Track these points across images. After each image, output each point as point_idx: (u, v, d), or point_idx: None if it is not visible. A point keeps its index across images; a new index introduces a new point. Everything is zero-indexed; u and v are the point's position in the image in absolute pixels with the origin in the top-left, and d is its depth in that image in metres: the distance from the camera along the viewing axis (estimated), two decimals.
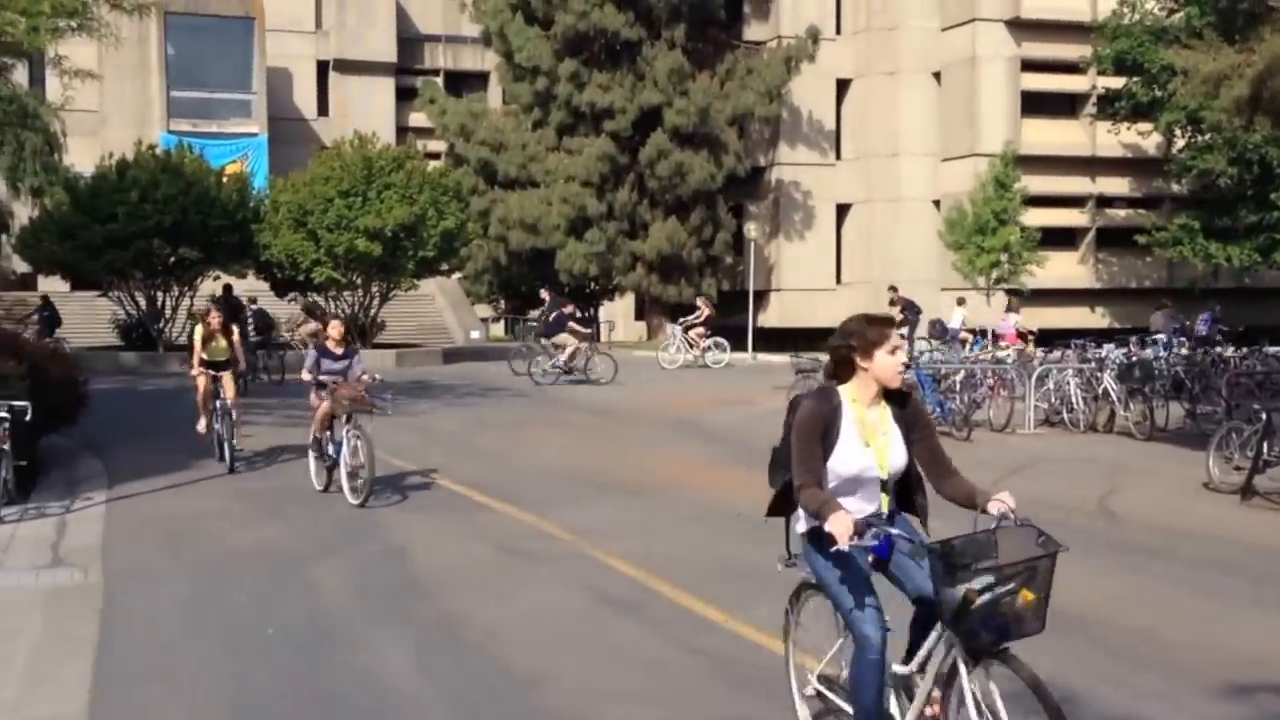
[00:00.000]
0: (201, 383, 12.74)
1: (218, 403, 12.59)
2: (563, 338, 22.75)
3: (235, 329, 13.22)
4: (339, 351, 10.95)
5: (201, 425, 12.98)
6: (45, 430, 12.10)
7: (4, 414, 9.73)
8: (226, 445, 12.34)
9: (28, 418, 9.98)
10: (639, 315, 40.32)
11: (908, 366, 5.52)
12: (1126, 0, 31.17)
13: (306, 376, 10.85)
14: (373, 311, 29.60)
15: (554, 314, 23.20)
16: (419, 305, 35.45)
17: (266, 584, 7.72)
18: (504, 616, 6.91)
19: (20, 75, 25.80)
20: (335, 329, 11.11)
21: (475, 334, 36.33)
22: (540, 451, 13.98)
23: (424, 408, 18.25)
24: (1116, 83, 32.62)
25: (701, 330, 26.76)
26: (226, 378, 12.67)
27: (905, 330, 26.35)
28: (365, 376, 10.84)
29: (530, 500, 10.50)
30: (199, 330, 12.87)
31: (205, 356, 12.67)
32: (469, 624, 6.76)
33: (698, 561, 8.31)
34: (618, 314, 40.54)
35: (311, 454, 11.11)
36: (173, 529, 9.51)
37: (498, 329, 44.06)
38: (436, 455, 13.33)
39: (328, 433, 10.80)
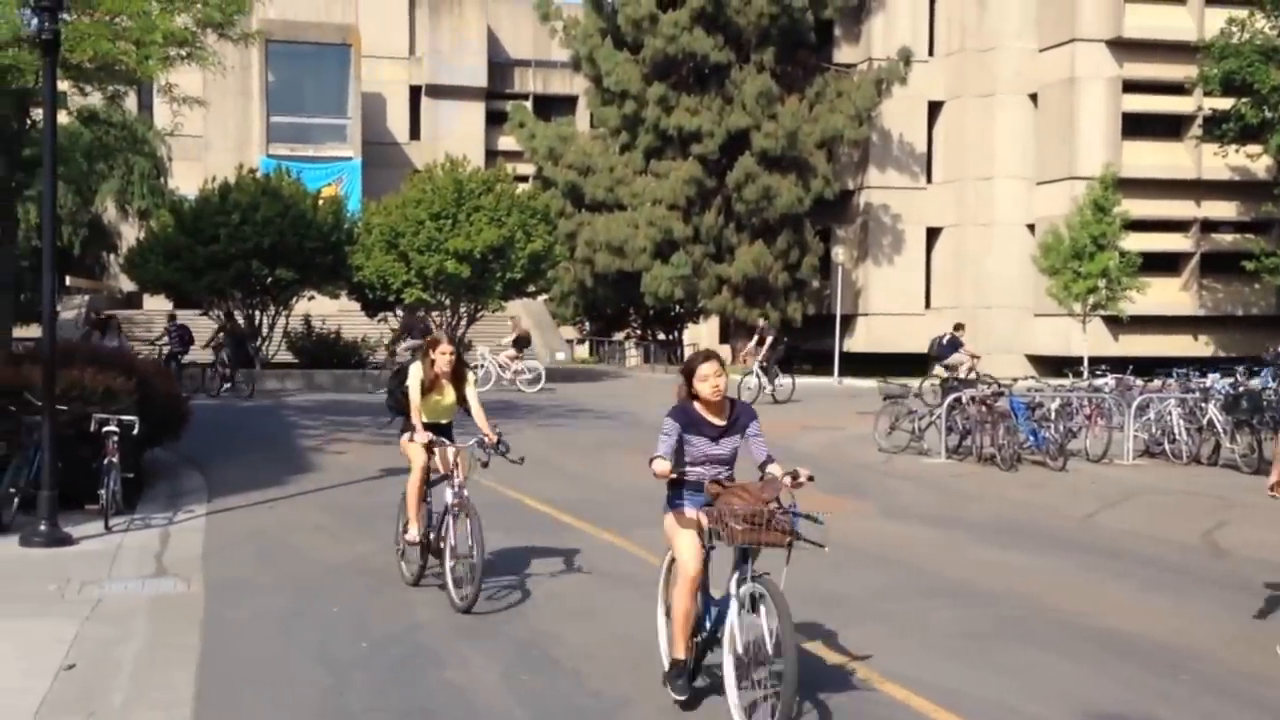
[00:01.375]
0: (417, 462, 7.84)
1: (450, 493, 7.57)
2: (957, 358, 22.91)
3: (472, 377, 8.26)
4: (720, 421, 5.56)
5: (413, 533, 7.93)
6: (151, 444, 12.50)
7: (114, 428, 10.08)
8: (450, 570, 7.41)
9: (135, 432, 10.35)
10: (723, 338, 40.27)
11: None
12: (1235, 19, 30.34)
13: (663, 468, 5.37)
14: (460, 332, 30.03)
15: (948, 338, 23.41)
16: (505, 326, 35.81)
17: (360, 599, 7.84)
18: (592, 637, 6.93)
19: (130, 102, 26.85)
20: (710, 379, 5.46)
21: (560, 355, 36.63)
22: (626, 473, 13.98)
23: (511, 428, 18.40)
24: (1224, 104, 31.72)
25: (513, 353, 26.18)
26: (460, 456, 7.64)
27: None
28: (774, 470, 5.46)
29: (616, 521, 10.50)
30: (416, 371, 7.88)
31: (425, 417, 7.90)
32: (558, 643, 6.80)
33: (783, 587, 8.20)
34: (702, 337, 40.52)
35: (661, 620, 5.99)
36: (270, 542, 9.73)
37: (582, 351, 44.34)
38: (525, 476, 13.38)
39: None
